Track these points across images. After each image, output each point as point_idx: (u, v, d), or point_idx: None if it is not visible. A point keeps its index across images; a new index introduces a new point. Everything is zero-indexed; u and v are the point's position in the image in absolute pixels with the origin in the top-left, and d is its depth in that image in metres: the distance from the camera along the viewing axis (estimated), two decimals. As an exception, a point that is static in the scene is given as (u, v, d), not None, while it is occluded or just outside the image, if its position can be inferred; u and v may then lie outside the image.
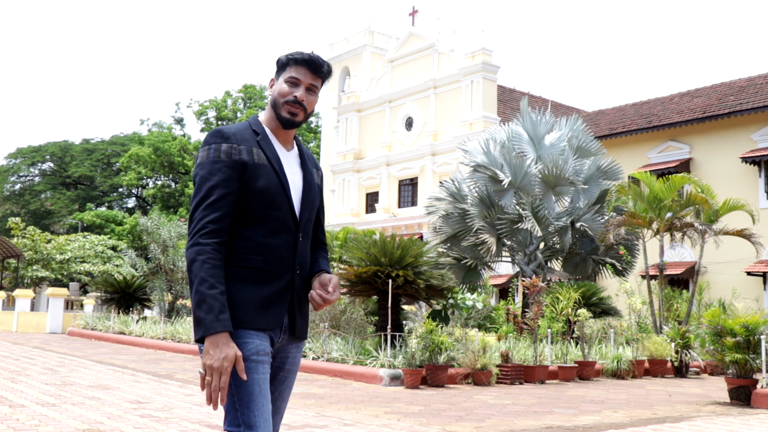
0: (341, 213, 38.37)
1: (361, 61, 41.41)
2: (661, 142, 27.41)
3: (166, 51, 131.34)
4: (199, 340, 2.22)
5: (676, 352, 14.22)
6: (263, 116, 2.54)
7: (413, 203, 35.53)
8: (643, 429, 7.12)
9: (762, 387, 9.49)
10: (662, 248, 17.27)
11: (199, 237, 2.25)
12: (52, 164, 60.07)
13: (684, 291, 20.88)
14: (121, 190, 60.55)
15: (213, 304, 2.19)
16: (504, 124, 24.41)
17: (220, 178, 2.31)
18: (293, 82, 2.47)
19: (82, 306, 27.44)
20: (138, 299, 23.14)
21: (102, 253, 37.93)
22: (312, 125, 55.10)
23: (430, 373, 10.83)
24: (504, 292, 27.60)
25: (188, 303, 20.72)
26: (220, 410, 7.40)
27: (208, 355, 2.17)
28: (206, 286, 2.20)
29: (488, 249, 18.56)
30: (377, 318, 13.24)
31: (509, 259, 20.05)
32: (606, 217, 18.72)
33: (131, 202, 62.13)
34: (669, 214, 16.88)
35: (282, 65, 2.51)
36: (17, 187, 59.49)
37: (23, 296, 26.18)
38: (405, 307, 15.57)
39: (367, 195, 38.34)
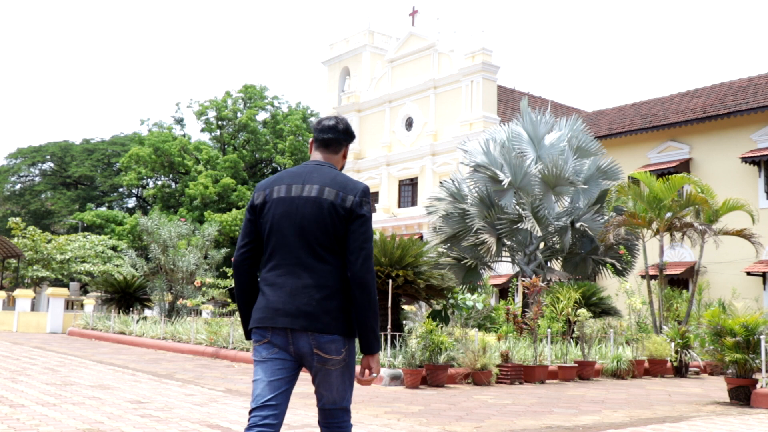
0: (341, 213, 38.32)
1: (361, 61, 41.40)
2: (661, 142, 27.43)
3: (166, 51, 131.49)
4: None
5: (676, 352, 14.23)
6: None
7: (413, 203, 35.54)
8: (643, 429, 7.13)
9: (762, 387, 9.49)
10: (662, 248, 17.27)
11: (372, 267, 2.97)
12: (52, 164, 60.06)
13: (684, 291, 20.88)
14: (121, 190, 60.52)
15: None
16: (504, 124, 24.41)
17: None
18: None
19: (82, 306, 27.45)
20: (138, 299, 23.14)
21: (102, 253, 37.91)
22: (312, 125, 55.06)
23: (430, 373, 10.84)
24: (504, 292, 27.61)
25: (189, 303, 20.76)
26: (220, 410, 7.41)
27: (378, 362, 3.04)
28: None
29: (488, 249, 18.57)
30: (377, 318, 13.22)
31: (509, 259, 20.05)
32: (606, 217, 18.73)
33: (131, 202, 62.10)
34: (669, 214, 16.88)
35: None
36: (17, 187, 59.47)
37: (23, 296, 26.18)
38: (405, 307, 15.58)
39: (367, 195, 38.32)
